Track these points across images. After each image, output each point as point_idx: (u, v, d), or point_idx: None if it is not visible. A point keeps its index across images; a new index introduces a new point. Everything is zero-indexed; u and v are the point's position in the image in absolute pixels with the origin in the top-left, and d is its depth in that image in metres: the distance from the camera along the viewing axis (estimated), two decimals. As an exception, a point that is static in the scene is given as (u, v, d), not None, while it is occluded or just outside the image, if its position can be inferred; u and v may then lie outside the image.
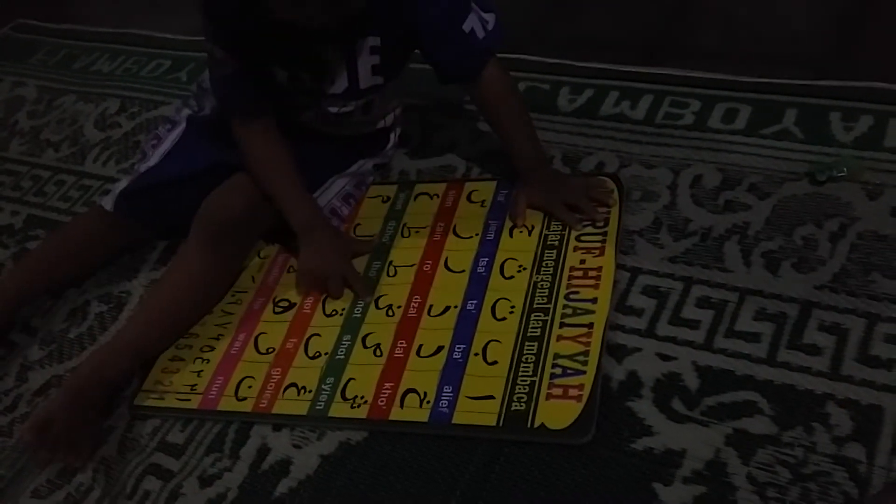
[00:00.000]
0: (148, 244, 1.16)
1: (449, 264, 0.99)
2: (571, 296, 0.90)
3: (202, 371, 0.96)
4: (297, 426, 0.88)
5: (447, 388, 0.85)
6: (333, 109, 1.04)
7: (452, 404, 0.83)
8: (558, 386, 0.82)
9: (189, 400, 0.94)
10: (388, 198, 1.11)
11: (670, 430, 0.77)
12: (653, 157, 1.05)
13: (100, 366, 0.94)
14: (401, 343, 0.91)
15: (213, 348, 0.99)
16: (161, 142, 1.12)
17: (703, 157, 1.03)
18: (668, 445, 0.76)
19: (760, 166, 1.00)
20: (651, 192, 1.01)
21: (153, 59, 1.60)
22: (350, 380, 0.90)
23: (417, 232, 1.05)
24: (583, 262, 0.93)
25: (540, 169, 1.01)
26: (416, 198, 1.10)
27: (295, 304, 1.01)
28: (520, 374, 0.84)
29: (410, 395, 0.86)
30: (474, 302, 0.93)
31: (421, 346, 0.90)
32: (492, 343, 0.88)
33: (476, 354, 0.87)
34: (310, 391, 0.90)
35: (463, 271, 0.97)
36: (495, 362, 0.86)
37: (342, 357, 0.92)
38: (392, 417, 0.85)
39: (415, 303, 0.95)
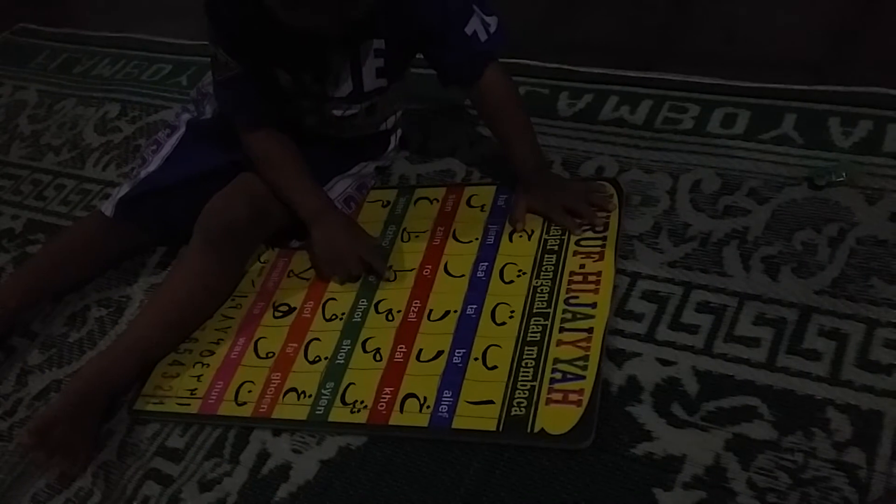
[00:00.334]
0: (148, 249, 1.16)
1: (449, 269, 0.99)
2: (571, 300, 0.90)
3: (202, 375, 0.96)
4: (296, 431, 0.88)
5: (447, 393, 0.85)
6: (337, 112, 1.04)
7: (452, 409, 0.83)
8: (558, 391, 0.82)
9: (189, 405, 0.94)
10: (389, 202, 1.11)
11: (670, 436, 0.77)
12: (652, 161, 1.05)
13: (102, 370, 0.94)
14: (400, 348, 0.91)
15: (213, 353, 0.99)
16: (161, 147, 1.12)
17: (703, 162, 1.03)
18: (668, 450, 0.76)
19: (759, 171, 1.00)
20: (650, 197, 1.01)
21: (153, 63, 1.60)
22: (350, 384, 0.90)
23: (417, 236, 1.05)
24: (582, 266, 0.93)
25: (540, 173, 1.02)
26: (415, 202, 1.10)
27: (295, 308, 1.01)
28: (519, 378, 0.84)
29: (410, 399, 0.86)
30: (474, 306, 0.93)
31: (421, 350, 0.90)
32: (491, 348, 0.88)
33: (476, 359, 0.87)
34: (310, 396, 0.90)
35: (463, 276, 0.97)
36: (495, 367, 0.86)
37: (342, 362, 0.92)
38: (392, 422, 0.85)
39: (414, 307, 0.95)
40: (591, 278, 0.92)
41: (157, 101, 1.48)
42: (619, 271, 0.92)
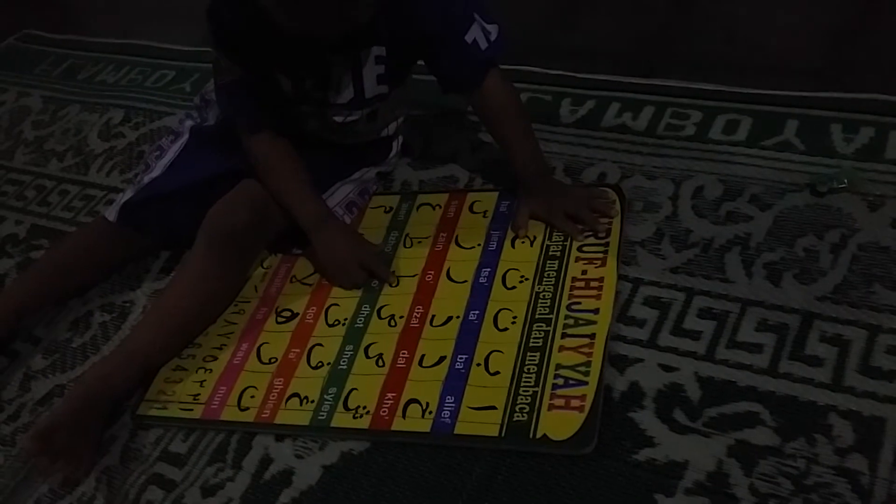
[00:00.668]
0: (151, 254, 1.17)
1: (451, 274, 0.99)
2: (573, 306, 0.90)
3: (205, 381, 0.96)
4: (299, 436, 0.88)
5: (449, 399, 0.85)
6: (339, 118, 1.04)
7: (454, 415, 0.84)
8: (560, 396, 0.82)
9: (192, 410, 0.94)
10: (391, 208, 1.11)
11: (672, 441, 0.77)
12: (654, 168, 1.06)
13: (105, 375, 0.94)
14: (403, 353, 0.92)
15: (215, 358, 0.99)
16: (164, 153, 1.13)
17: (705, 169, 1.03)
18: (671, 456, 0.76)
19: (761, 177, 1.00)
20: (652, 203, 1.01)
21: (157, 69, 1.61)
22: (352, 390, 0.90)
23: (420, 242, 1.05)
24: (584, 272, 0.93)
25: (542, 179, 1.02)
26: (418, 208, 1.10)
27: (297, 314, 1.01)
28: (522, 384, 0.84)
29: (412, 405, 0.86)
30: (476, 312, 0.93)
31: (423, 356, 0.90)
32: (494, 353, 0.88)
33: (478, 365, 0.88)
34: (312, 401, 0.90)
35: (465, 282, 0.97)
36: (497, 373, 0.86)
37: (344, 367, 0.93)
38: (394, 428, 0.85)
39: (417, 313, 0.96)
40: (593, 284, 0.92)
41: (160, 108, 1.48)
42: (621, 277, 0.92)
